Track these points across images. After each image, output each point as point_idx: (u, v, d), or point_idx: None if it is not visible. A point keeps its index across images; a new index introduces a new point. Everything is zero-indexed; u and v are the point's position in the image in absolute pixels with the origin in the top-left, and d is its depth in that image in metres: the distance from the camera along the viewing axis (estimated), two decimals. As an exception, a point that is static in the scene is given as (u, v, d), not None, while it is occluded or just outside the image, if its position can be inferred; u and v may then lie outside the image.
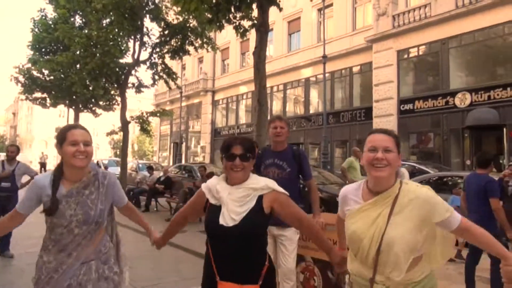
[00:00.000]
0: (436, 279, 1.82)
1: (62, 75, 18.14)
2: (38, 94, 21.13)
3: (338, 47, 18.52)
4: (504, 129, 13.08)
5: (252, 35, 9.76)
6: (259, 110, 8.08)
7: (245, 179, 1.98)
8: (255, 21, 9.03)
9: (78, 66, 15.74)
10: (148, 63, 14.93)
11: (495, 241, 1.71)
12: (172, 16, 14.19)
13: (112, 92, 18.77)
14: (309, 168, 3.57)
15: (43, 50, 19.52)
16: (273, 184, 2.00)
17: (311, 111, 20.73)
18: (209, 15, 9.22)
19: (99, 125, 46.85)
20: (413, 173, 9.13)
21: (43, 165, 28.66)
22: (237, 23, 9.75)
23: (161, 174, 12.38)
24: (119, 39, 14.39)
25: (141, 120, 14.80)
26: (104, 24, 14.40)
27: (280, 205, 1.98)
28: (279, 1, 8.84)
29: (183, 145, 28.22)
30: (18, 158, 6.22)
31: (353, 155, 9.60)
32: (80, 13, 16.42)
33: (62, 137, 2.02)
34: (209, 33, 14.22)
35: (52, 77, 19.14)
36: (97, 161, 21.88)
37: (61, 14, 17.48)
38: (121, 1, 12.35)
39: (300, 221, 2.04)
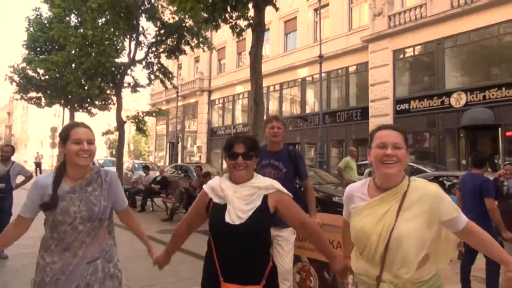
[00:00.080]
0: (442, 279, 1.80)
1: (57, 75, 18.05)
2: (33, 94, 21.00)
3: (334, 47, 18.55)
4: (499, 129, 13.15)
5: (249, 34, 9.75)
6: (256, 110, 8.06)
7: (249, 178, 1.98)
8: (251, 21, 9.03)
9: (73, 65, 15.71)
10: (144, 63, 14.90)
11: (498, 246, 1.70)
12: (168, 16, 14.17)
13: (108, 91, 18.72)
14: (305, 168, 3.58)
15: (38, 49, 19.43)
16: (277, 184, 2.00)
17: (307, 111, 20.74)
18: (205, 15, 9.21)
19: (95, 125, 44.82)
20: (412, 173, 9.15)
21: (38, 165, 28.39)
22: (233, 23, 9.74)
23: (157, 174, 12.37)
24: (114, 39, 14.35)
25: (137, 120, 14.79)
26: (99, 24, 14.33)
27: (284, 206, 1.98)
28: (275, 1, 8.83)
29: (179, 145, 28.14)
30: (12, 158, 6.18)
31: (349, 155, 9.63)
32: (76, 12, 16.35)
33: (66, 135, 2.01)
34: (205, 32, 14.21)
35: (47, 77, 19.09)
36: (93, 161, 21.75)
37: (56, 13, 17.45)
38: (116, 0, 12.29)
39: (304, 225, 2.03)
